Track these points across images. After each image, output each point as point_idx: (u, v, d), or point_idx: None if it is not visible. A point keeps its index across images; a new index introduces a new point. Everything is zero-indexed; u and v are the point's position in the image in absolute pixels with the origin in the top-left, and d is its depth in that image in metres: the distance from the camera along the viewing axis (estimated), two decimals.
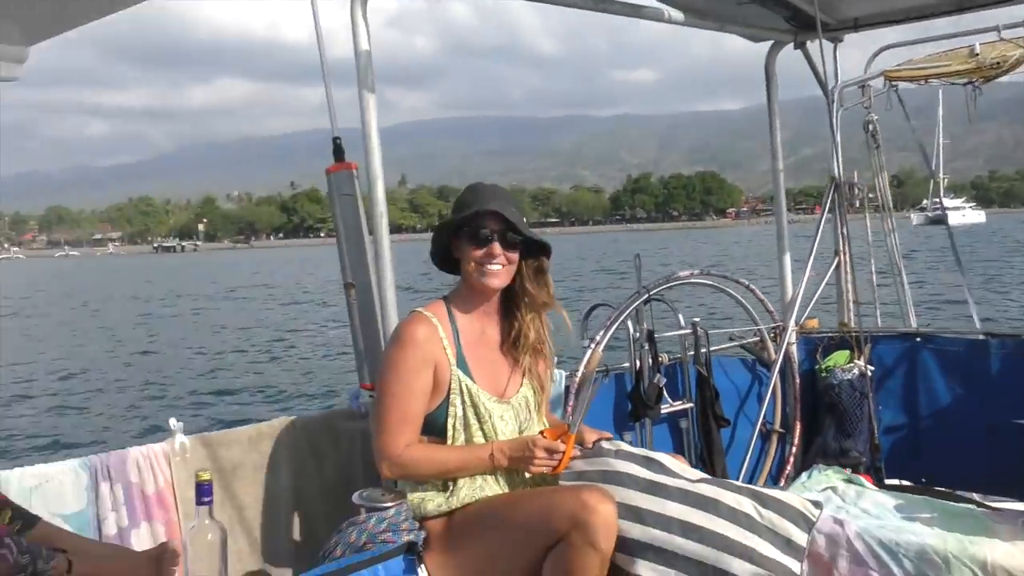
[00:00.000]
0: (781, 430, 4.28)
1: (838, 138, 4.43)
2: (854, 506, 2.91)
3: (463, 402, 2.44)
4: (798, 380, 4.30)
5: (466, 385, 2.45)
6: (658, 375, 3.69)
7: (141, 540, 2.44)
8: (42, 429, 12.02)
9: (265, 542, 2.74)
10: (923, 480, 4.06)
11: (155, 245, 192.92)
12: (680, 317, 3.92)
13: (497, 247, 2.45)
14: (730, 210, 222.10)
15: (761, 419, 4.12)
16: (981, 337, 4.15)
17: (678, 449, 3.90)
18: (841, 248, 4.51)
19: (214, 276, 59.79)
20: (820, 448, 4.24)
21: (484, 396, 2.47)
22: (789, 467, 4.21)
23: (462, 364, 2.46)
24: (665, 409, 3.79)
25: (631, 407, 3.69)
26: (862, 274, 4.62)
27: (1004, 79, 4.29)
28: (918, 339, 4.27)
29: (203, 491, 1.94)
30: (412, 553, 2.25)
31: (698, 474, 2.45)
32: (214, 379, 16.14)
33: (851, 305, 4.49)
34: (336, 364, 16.64)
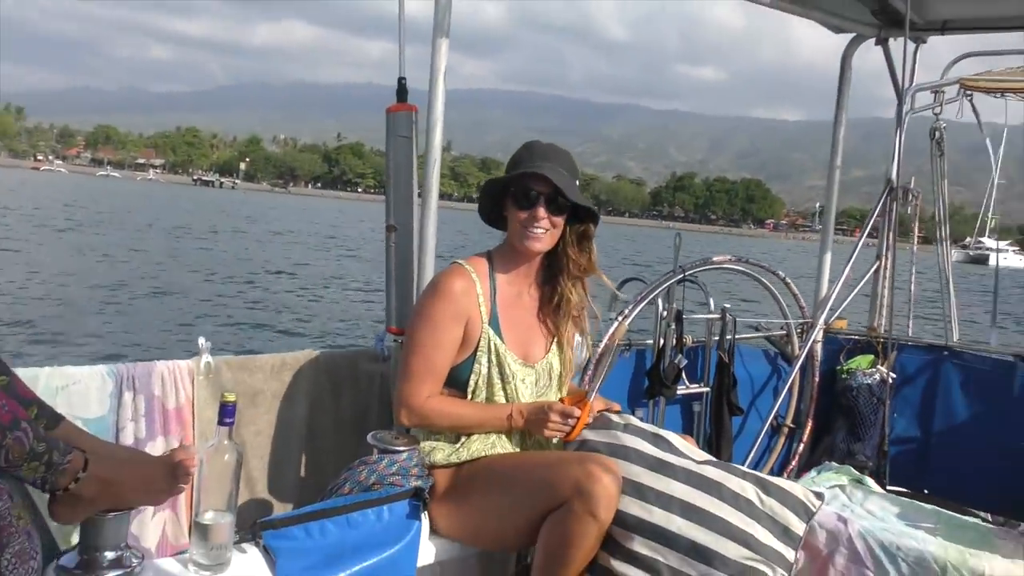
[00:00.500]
0: (792, 425, 4.28)
1: (902, 141, 4.36)
2: (860, 507, 2.91)
3: (489, 361, 2.45)
4: (817, 378, 4.29)
5: (495, 344, 2.45)
6: (680, 356, 3.69)
7: (156, 453, 2.47)
8: (73, 335, 12.22)
9: (274, 470, 2.78)
10: (925, 491, 4.05)
11: (195, 178, 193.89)
12: (711, 301, 3.91)
13: (541, 211, 2.43)
14: (768, 221, 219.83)
15: (774, 412, 4.12)
16: (1010, 358, 4.09)
17: (687, 431, 3.91)
18: (884, 253, 4.46)
19: (252, 215, 60.32)
20: (827, 447, 4.24)
21: (511, 357, 2.47)
22: (794, 463, 4.22)
23: (494, 323, 2.47)
24: (681, 390, 3.79)
25: (648, 384, 3.71)
26: (900, 284, 4.56)
27: None
28: (945, 352, 4.23)
29: (227, 412, 1.96)
30: (418, 499, 2.30)
31: (704, 456, 2.46)
32: (245, 309, 16.40)
33: (884, 310, 4.45)
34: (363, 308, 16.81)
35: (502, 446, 2.46)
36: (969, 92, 4.39)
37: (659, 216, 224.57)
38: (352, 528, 2.17)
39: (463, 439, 2.45)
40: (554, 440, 2.46)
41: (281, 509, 2.76)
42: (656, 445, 2.40)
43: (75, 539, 1.84)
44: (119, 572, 1.82)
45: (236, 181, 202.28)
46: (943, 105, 4.51)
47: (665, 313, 3.73)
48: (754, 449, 4.00)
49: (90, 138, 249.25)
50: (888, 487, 3.88)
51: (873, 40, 4.32)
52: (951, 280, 4.79)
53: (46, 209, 41.22)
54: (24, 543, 1.67)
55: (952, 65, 4.58)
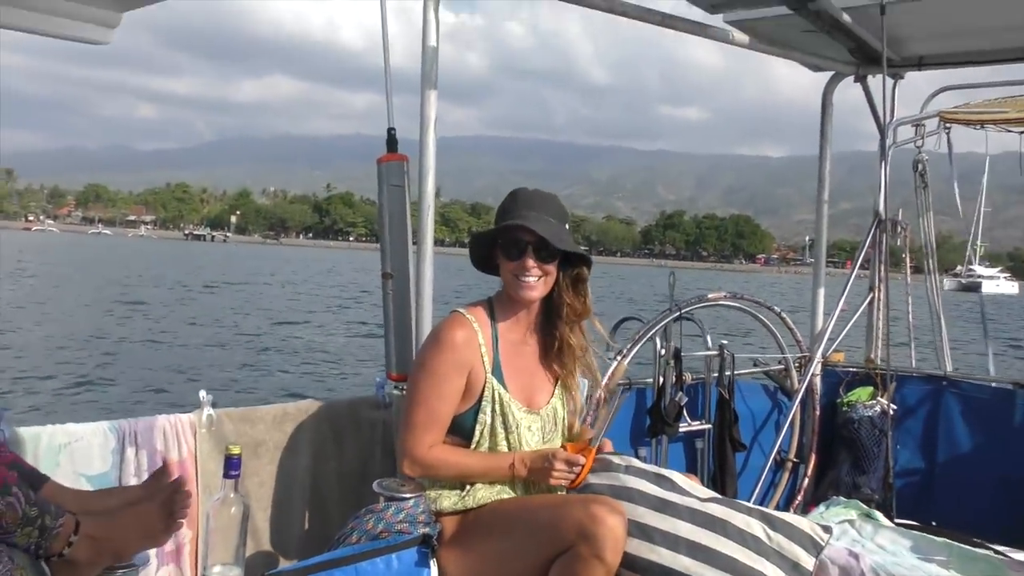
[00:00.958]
0: (795, 460, 4.27)
1: (887, 174, 4.41)
2: (870, 541, 2.90)
3: (493, 411, 2.44)
4: (818, 411, 4.29)
5: (499, 393, 2.44)
6: (680, 393, 3.70)
7: None
8: (73, 393, 12.20)
9: (279, 521, 2.76)
10: (933, 524, 4.02)
11: (186, 232, 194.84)
12: (708, 338, 3.93)
13: (530, 261, 2.43)
14: (760, 256, 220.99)
15: (777, 447, 4.11)
16: (1009, 386, 4.10)
17: (691, 469, 3.91)
18: (876, 285, 4.49)
19: (244, 267, 60.42)
20: (833, 481, 4.22)
21: (515, 405, 2.46)
22: (799, 498, 4.20)
23: (497, 372, 2.46)
24: (683, 428, 3.79)
25: (650, 423, 3.71)
26: (894, 314, 4.58)
27: None
28: (944, 382, 4.24)
29: (232, 464, 1.95)
30: (427, 546, 2.27)
31: (708, 493, 2.46)
32: (243, 361, 16.31)
33: (880, 342, 4.46)
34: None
35: (507, 493, 2.45)
36: (948, 125, 4.46)
37: (650, 254, 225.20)
38: None
39: (469, 486, 2.43)
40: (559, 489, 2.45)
41: (287, 560, 2.73)
42: (659, 485, 2.39)
43: None
44: None
45: (227, 234, 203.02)
46: (924, 138, 4.59)
47: (664, 351, 3.74)
48: (759, 485, 3.98)
49: (80, 197, 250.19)
50: (896, 520, 3.86)
51: (852, 77, 4.39)
52: (941, 311, 4.82)
53: (47, 267, 41.14)
54: None
55: (931, 99, 4.67)
